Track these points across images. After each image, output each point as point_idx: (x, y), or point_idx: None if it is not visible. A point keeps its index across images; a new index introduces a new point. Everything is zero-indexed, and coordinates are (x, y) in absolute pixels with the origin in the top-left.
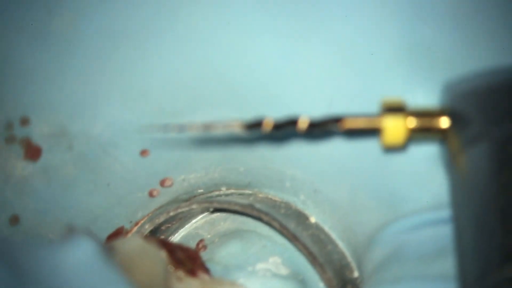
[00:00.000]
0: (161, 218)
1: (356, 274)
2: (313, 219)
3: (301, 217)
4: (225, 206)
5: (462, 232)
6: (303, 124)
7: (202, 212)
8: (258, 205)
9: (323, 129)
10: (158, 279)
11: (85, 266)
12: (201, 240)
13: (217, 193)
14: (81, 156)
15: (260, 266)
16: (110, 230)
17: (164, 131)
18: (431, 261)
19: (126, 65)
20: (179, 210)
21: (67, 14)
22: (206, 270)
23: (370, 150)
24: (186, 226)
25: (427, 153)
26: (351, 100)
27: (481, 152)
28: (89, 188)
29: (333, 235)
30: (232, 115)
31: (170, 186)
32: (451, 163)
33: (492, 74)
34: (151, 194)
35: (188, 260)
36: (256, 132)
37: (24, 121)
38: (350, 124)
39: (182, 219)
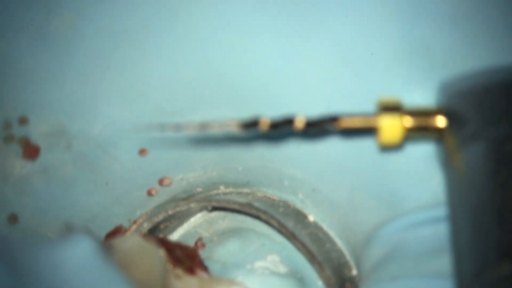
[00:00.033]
0: (160, 217)
1: (354, 272)
2: (311, 218)
3: (300, 216)
4: (224, 204)
5: (458, 230)
6: (299, 123)
7: (200, 211)
8: (256, 204)
9: (319, 128)
10: (156, 277)
11: (84, 264)
12: (200, 239)
13: (215, 192)
14: (80, 156)
15: (258, 264)
16: (109, 229)
17: (161, 130)
18: (429, 259)
19: (125, 65)
20: (178, 209)
21: (67, 14)
22: (205, 268)
23: (369, 149)
24: (185, 224)
25: (426, 152)
26: (351, 100)
27: (477, 152)
28: (88, 187)
29: (332, 234)
30: (231, 115)
31: (168, 185)
32: (447, 162)
33: (489, 73)
34: (149, 193)
35: (187, 258)
36: (253, 131)
37: (23, 120)
38: (346, 123)
39: (180, 217)
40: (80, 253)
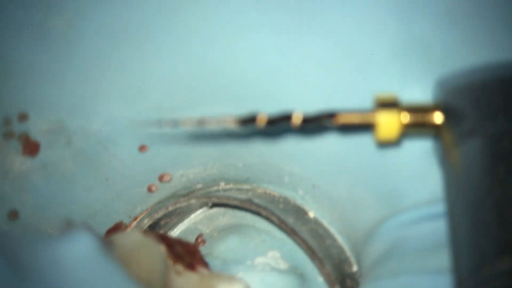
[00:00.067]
0: (160, 213)
1: (355, 268)
2: (311, 214)
3: (300, 212)
4: (224, 201)
5: (456, 226)
6: (297, 119)
7: (201, 207)
8: (256, 200)
9: (317, 124)
10: (157, 273)
11: (84, 261)
12: (200, 235)
13: (215, 188)
14: (80, 152)
15: (259, 260)
16: (109, 225)
17: (158, 126)
18: (429, 255)
19: (125, 62)
20: (178, 205)
21: (67, 14)
22: (205, 264)
23: (368, 145)
24: (185, 221)
25: (425, 148)
26: (348, 96)
27: (475, 147)
28: (88, 184)
29: (332, 230)
30: (230, 111)
31: (168, 181)
32: (445, 158)
33: (486, 69)
34: (149, 189)
35: (187, 254)
36: (250, 128)
37: (22, 117)
38: (344, 119)
39: (181, 214)
40: (80, 249)
